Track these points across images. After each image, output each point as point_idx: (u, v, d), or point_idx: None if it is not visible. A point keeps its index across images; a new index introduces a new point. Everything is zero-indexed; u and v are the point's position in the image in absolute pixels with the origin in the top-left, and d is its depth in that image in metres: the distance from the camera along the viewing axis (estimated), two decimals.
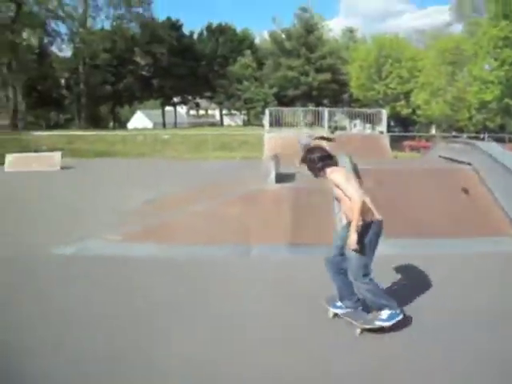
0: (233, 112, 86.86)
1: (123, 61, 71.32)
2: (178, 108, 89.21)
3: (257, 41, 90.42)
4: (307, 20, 77.88)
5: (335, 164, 6.14)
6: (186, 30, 78.25)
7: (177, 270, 8.78)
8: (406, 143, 46.32)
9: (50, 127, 60.81)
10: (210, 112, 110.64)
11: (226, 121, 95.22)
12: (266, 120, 28.11)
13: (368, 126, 29.68)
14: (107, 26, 70.15)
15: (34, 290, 7.67)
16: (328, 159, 6.07)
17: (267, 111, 28.85)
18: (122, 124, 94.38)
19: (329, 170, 6.01)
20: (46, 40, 62.62)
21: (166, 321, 6.47)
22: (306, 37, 76.03)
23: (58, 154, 27.82)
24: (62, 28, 61.76)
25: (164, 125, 77.38)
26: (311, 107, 57.21)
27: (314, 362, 5.29)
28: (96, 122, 71.76)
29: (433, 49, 63.37)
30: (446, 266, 8.66)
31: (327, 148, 6.42)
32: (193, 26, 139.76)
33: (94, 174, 24.40)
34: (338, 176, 5.91)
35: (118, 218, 12.55)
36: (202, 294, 7.58)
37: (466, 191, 11.72)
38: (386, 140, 27.11)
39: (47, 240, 10.63)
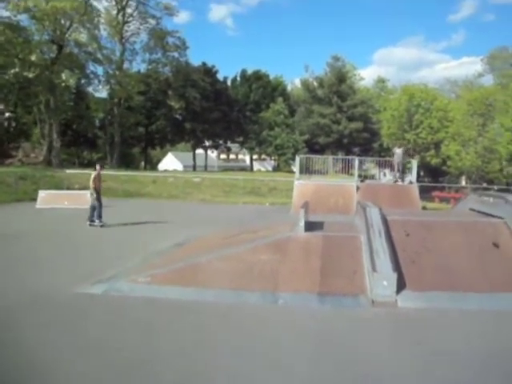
0: (263, 157, 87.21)
1: (157, 103, 72.38)
2: (209, 151, 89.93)
3: (289, 88, 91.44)
4: (339, 69, 78.75)
5: None
6: (220, 77, 79.39)
7: (203, 313, 8.83)
8: (436, 193, 46.12)
9: (82, 165, 61.70)
10: (240, 156, 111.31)
11: (256, 166, 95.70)
12: (296, 167, 28.29)
13: (398, 175, 29.56)
14: (143, 69, 71.65)
15: (60, 329, 7.77)
16: None
17: (297, 158, 29.06)
18: (152, 165, 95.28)
19: None
20: (83, 81, 63.93)
21: (190, 364, 6.54)
22: (338, 85, 76.85)
23: (88, 193, 28.13)
24: (99, 70, 62.74)
25: (194, 167, 77.94)
26: (341, 155, 57.70)
27: None
28: (128, 162, 72.70)
29: (464, 99, 63.52)
30: (473, 321, 8.63)
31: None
32: (227, 72, 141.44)
33: (124, 214, 24.66)
34: None
35: (146, 259, 12.68)
36: (226, 338, 7.62)
37: (496, 245, 11.67)
38: (415, 190, 27.08)
39: (74, 279, 10.78)
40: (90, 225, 20.07)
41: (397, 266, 10.03)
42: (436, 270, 10.29)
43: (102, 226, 19.96)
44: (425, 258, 10.86)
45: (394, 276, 9.42)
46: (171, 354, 6.93)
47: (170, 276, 10.58)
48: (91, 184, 20.48)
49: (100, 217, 20.36)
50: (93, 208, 20.44)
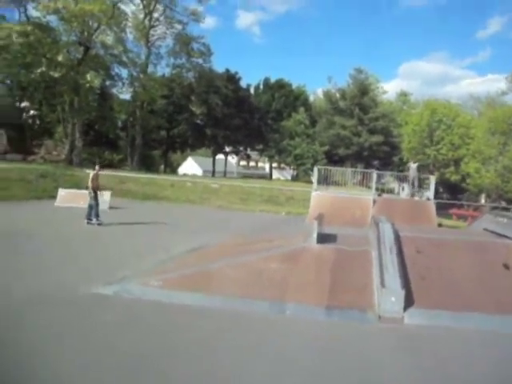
0: (282, 166, 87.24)
1: (179, 108, 72.78)
2: (229, 157, 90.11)
3: (311, 98, 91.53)
4: (362, 81, 78.72)
5: None
6: (243, 84, 79.68)
7: (212, 319, 8.99)
8: (453, 211, 45.95)
9: (103, 166, 62.03)
10: (260, 164, 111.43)
11: (275, 174, 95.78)
12: (314, 178, 28.28)
13: (420, 190, 29.53)
14: (167, 73, 72.13)
15: (70, 328, 7.96)
16: None
17: (315, 169, 29.04)
18: (173, 169, 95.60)
19: None
20: (108, 82, 64.42)
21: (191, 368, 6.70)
22: (360, 97, 76.82)
23: (107, 194, 28.35)
24: (124, 72, 63.10)
25: (213, 173, 78.11)
26: (360, 168, 57.63)
27: None
28: (148, 165, 72.89)
29: (486, 117, 63.20)
30: (475, 341, 8.69)
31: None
32: (251, 80, 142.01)
33: (141, 217, 24.84)
34: None
35: (160, 263, 12.84)
36: (231, 344, 7.79)
37: (507, 267, 11.74)
38: (432, 207, 27.01)
39: (88, 279, 11.01)
40: (88, 223, 20.53)
41: (406, 283, 10.14)
42: (444, 289, 10.38)
43: (99, 225, 20.43)
44: (434, 276, 10.96)
45: (402, 292, 9.53)
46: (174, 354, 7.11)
47: (181, 281, 10.75)
48: (89, 183, 21.05)
49: (97, 215, 20.88)
50: (90, 207, 20.91)
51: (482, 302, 10.27)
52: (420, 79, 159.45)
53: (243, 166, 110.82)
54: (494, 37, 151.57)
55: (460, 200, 62.63)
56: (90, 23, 54.33)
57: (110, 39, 58.81)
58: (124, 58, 61.17)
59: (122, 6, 60.36)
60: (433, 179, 29.39)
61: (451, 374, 7.14)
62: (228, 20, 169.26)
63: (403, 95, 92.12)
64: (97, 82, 55.41)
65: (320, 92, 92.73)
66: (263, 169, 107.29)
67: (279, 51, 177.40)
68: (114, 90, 67.56)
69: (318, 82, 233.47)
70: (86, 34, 54.30)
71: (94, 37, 55.34)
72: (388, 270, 10.22)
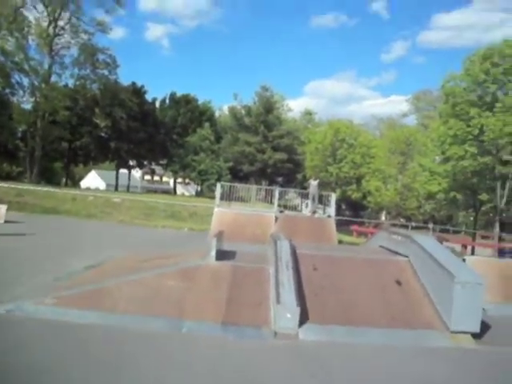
0: (187, 181, 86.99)
1: (82, 120, 71.20)
2: (133, 171, 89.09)
3: (217, 114, 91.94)
4: (267, 98, 79.65)
5: None
6: (149, 97, 79.12)
7: (104, 338, 8.79)
8: (354, 227, 46.98)
9: (1, 178, 59.97)
10: (164, 179, 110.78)
11: (180, 189, 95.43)
12: (216, 194, 28.25)
13: (320, 206, 29.98)
14: (71, 84, 70.46)
15: None
16: None
17: (218, 185, 28.99)
18: (75, 182, 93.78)
19: None
20: (7, 90, 62.49)
21: None
22: (266, 115, 77.72)
23: (3, 208, 27.31)
24: (25, 80, 61.35)
25: (117, 187, 76.90)
26: (265, 184, 58.17)
27: None
28: (48, 178, 71.10)
29: (387, 137, 65.30)
30: (368, 355, 8.89)
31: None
32: (158, 94, 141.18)
33: (38, 232, 24.08)
34: None
35: (55, 280, 12.41)
36: (125, 362, 7.63)
37: (399, 283, 12.07)
38: (332, 224, 27.43)
39: None
40: None
41: (301, 299, 10.23)
42: (338, 305, 10.54)
43: None
44: (329, 293, 11.12)
45: (298, 309, 9.61)
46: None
47: (76, 299, 10.46)
48: None
49: None
50: None
51: (375, 317, 10.54)
52: (326, 98, 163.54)
53: (147, 181, 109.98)
54: (398, 60, 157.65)
55: (362, 217, 64.41)
56: None
57: (10, 45, 57.16)
58: (25, 66, 59.58)
59: (25, 12, 58.80)
60: (334, 196, 29.86)
61: None
62: (137, 31, 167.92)
63: (308, 114, 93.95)
64: None
65: (226, 108, 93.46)
66: (168, 183, 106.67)
67: (187, 65, 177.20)
68: (14, 99, 65.59)
69: (224, 99, 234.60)
70: None
71: None
72: (284, 287, 10.27)
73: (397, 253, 14.66)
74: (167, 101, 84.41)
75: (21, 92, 63.31)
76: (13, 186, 41.80)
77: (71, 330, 9.05)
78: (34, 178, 60.96)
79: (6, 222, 26.31)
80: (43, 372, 6.96)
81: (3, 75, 57.48)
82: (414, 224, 54.58)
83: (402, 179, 59.59)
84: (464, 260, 17.99)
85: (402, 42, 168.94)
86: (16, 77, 61.33)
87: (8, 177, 63.64)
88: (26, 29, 58.50)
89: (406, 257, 13.69)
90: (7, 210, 27.62)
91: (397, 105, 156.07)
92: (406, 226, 51.91)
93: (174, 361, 7.94)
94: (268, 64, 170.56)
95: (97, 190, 71.78)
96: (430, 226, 50.55)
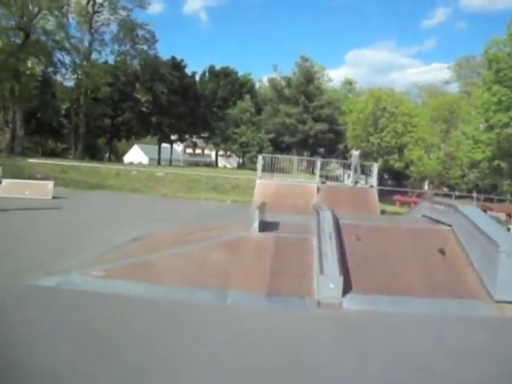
0: (228, 154, 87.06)
1: (124, 96, 71.93)
2: (175, 145, 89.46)
3: (257, 86, 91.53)
4: (307, 69, 78.96)
5: None
6: (188, 71, 79.31)
7: (154, 308, 8.97)
8: (397, 197, 46.63)
9: (46, 154, 60.85)
10: (206, 152, 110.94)
11: (222, 162, 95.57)
12: (258, 166, 28.27)
13: (363, 177, 29.83)
14: (111, 60, 71.11)
15: (4, 320, 7.82)
16: None
17: (260, 157, 29.02)
18: (118, 157, 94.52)
19: None
20: (50, 69, 63.24)
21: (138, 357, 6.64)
22: (306, 85, 77.09)
23: (50, 184, 28.07)
24: (67, 59, 61.99)
25: (159, 161, 77.49)
26: (306, 155, 57.94)
27: None
28: (92, 153, 72.00)
29: (429, 106, 64.26)
30: (412, 324, 8.91)
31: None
32: (197, 67, 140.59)
33: (84, 207, 24.59)
34: None
35: (103, 253, 12.65)
36: (172, 332, 7.79)
37: (442, 252, 12.00)
38: (374, 194, 27.27)
39: (29, 270, 10.77)
40: None
41: (344, 269, 10.28)
42: (382, 274, 10.55)
43: None
44: (372, 262, 11.13)
45: (341, 279, 9.66)
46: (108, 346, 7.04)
47: (123, 271, 10.65)
48: None
49: None
50: None
51: (418, 286, 10.50)
52: (366, 67, 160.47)
53: (189, 154, 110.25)
54: (439, 26, 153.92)
55: (404, 186, 63.68)
56: (30, 7, 53.11)
57: (51, 24, 57.66)
58: (66, 44, 60.18)
59: None
60: (376, 166, 29.67)
61: (387, 357, 7.27)
62: (174, 6, 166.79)
63: (348, 83, 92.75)
64: (38, 69, 54.44)
65: (265, 80, 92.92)
66: (210, 156, 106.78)
67: (226, 38, 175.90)
68: (57, 77, 66.46)
69: (264, 70, 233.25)
70: (25, 18, 52.97)
71: (34, 22, 54.09)
72: (327, 257, 10.33)
73: (440, 222, 14.56)
74: (207, 74, 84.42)
75: (63, 70, 64.28)
76: (58, 162, 42.53)
77: (120, 301, 9.24)
78: (78, 154, 61.87)
79: (53, 197, 26.90)
80: (98, 342, 7.16)
81: (45, 54, 58.12)
82: (457, 193, 53.81)
83: (444, 148, 58.92)
84: (509, 229, 17.98)
85: (444, 8, 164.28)
86: (58, 55, 62.16)
87: (53, 154, 64.65)
88: (65, 7, 59.03)
89: (450, 226, 13.58)
90: (54, 186, 28.20)
91: (438, 72, 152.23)
92: (449, 196, 51.30)
93: (219, 330, 8.07)
94: (307, 34, 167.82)
95: (140, 164, 72.54)
96: (474, 195, 49.69)
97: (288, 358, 6.96)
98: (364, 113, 62.85)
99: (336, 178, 36.97)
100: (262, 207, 13.96)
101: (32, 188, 27.82)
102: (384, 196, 39.12)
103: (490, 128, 42.59)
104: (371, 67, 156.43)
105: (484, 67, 49.88)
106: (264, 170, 28.44)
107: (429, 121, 60.92)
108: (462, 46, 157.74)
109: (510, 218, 37.67)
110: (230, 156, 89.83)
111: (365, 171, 30.66)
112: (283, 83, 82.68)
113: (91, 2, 64.08)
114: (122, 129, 77.81)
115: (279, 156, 33.65)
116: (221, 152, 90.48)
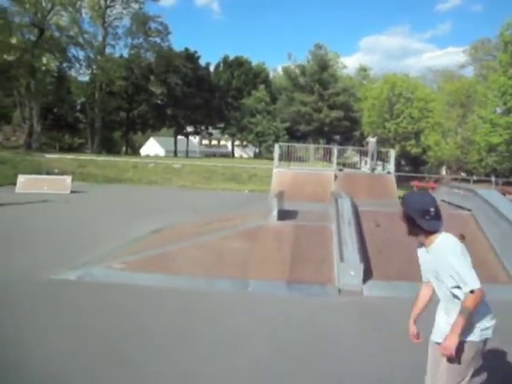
0: (245, 144, 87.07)
1: (138, 89, 72.32)
2: (191, 137, 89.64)
3: (271, 75, 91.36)
4: (322, 56, 78.72)
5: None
6: (202, 62, 79.35)
7: (175, 299, 9.01)
8: (414, 183, 46.46)
9: (63, 150, 61.42)
10: (222, 142, 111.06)
11: (238, 152, 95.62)
12: (275, 155, 28.25)
13: (380, 163, 29.71)
14: (125, 54, 71.36)
15: (30, 314, 7.86)
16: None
17: (276, 146, 28.94)
18: (134, 150, 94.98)
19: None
20: (64, 64, 63.61)
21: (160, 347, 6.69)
22: (320, 73, 76.86)
23: (68, 179, 28.33)
24: (81, 54, 62.38)
25: (176, 153, 77.66)
26: (322, 143, 57.82)
27: None
28: (109, 147, 72.50)
29: (444, 91, 63.82)
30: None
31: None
32: (211, 58, 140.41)
33: (103, 200, 24.77)
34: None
35: (122, 246, 12.79)
36: (194, 323, 7.81)
37: (462, 237, 11.90)
38: (392, 180, 27.17)
39: (50, 264, 10.90)
40: None
41: (364, 256, 10.30)
42: (402, 261, 10.51)
43: None
44: (392, 249, 11.11)
45: (361, 266, 9.67)
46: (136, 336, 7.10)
47: (143, 263, 10.73)
48: None
49: None
50: None
51: None
52: (380, 53, 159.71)
53: (205, 145, 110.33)
54: (454, 9, 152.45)
55: (422, 172, 63.50)
56: (44, 4, 53.38)
57: (64, 20, 57.98)
58: (80, 40, 60.53)
59: None
60: (393, 152, 29.52)
61: (409, 343, 7.27)
62: None
63: (363, 70, 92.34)
64: (53, 65, 54.75)
65: (280, 69, 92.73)
66: (226, 147, 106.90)
67: (238, 28, 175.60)
68: (72, 72, 66.87)
69: (278, 59, 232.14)
70: (39, 15, 53.27)
71: (48, 18, 54.36)
72: (347, 245, 10.34)
73: (459, 207, 14.54)
74: (221, 65, 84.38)
75: (77, 65, 64.77)
76: (75, 157, 42.79)
77: (141, 292, 9.29)
78: (95, 148, 62.26)
79: (72, 192, 27.11)
80: (123, 335, 7.20)
81: (60, 50, 58.49)
82: (475, 178, 53.53)
83: (461, 132, 58.55)
84: None
85: None
86: (72, 51, 62.70)
87: (70, 148, 65.17)
88: (78, 3, 59.27)
89: (469, 210, 13.56)
90: (72, 180, 28.41)
91: (454, 56, 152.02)
92: (467, 180, 51.08)
93: (241, 319, 8.09)
94: (321, 22, 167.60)
95: (156, 156, 72.73)
96: (493, 179, 49.44)
97: (311, 345, 6.99)
98: (379, 99, 62.65)
99: (353, 165, 36.91)
100: (280, 196, 13.99)
101: (50, 183, 28.04)
102: (402, 182, 38.99)
103: (508, 111, 42.30)
104: (385, 53, 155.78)
105: (500, 50, 49.45)
106: (281, 158, 28.37)
107: (445, 105, 60.56)
108: (477, 29, 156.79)
109: None
110: (246, 146, 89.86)
111: (382, 157, 30.54)
112: (297, 71, 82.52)
113: None
114: (138, 122, 78.15)
115: (296, 145, 33.59)
116: (237, 142, 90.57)
